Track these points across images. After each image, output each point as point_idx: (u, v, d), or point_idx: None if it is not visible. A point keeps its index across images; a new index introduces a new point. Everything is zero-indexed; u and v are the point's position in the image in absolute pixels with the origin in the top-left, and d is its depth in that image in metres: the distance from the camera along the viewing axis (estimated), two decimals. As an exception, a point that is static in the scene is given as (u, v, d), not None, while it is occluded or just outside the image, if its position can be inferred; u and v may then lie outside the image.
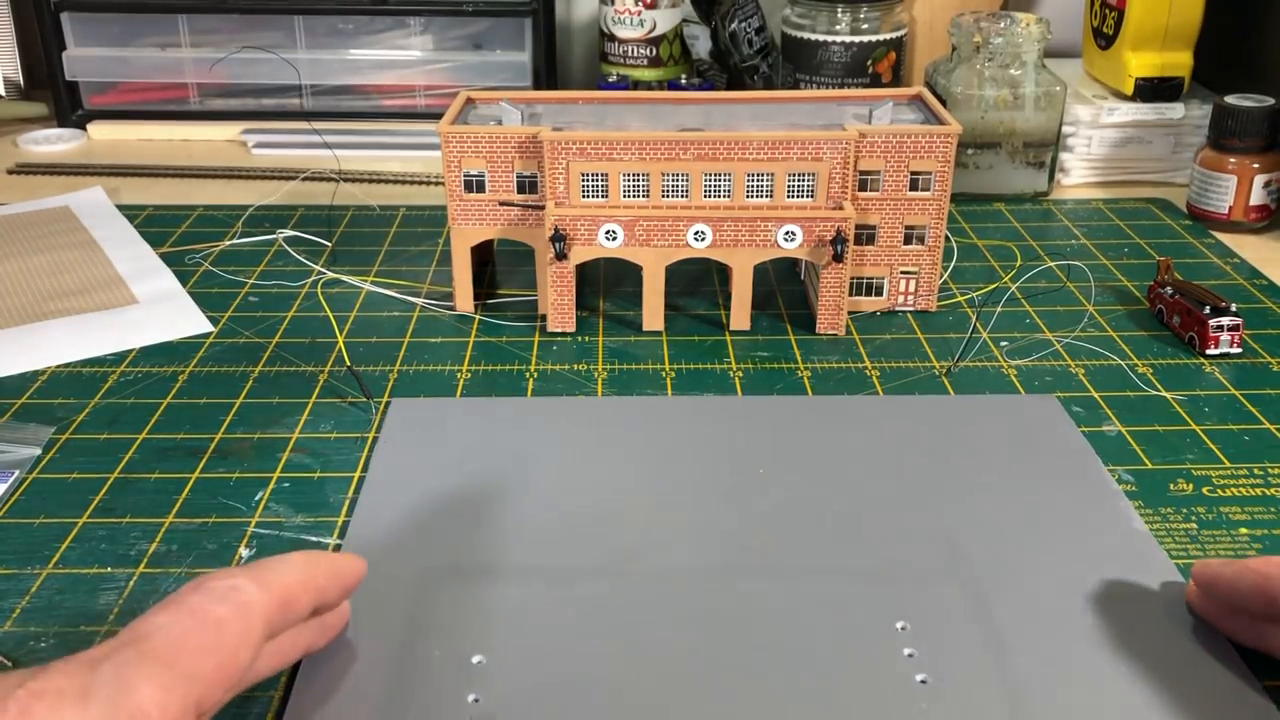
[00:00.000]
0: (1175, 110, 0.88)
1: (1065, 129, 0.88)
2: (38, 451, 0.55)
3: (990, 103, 0.84)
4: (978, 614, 0.44)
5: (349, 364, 0.62)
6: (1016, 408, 0.58)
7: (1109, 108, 0.89)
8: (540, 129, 0.64)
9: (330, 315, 0.68)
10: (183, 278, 0.73)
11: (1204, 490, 0.52)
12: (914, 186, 0.65)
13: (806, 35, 0.93)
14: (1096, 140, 0.89)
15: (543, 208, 0.65)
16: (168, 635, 0.33)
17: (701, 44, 1.05)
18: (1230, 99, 0.80)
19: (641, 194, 0.64)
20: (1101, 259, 0.76)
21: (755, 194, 0.64)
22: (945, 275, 0.73)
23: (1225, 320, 0.63)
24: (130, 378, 0.62)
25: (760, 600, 0.44)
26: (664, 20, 1.01)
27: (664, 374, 0.62)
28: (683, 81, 1.03)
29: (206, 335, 0.66)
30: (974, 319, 0.68)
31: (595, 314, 0.69)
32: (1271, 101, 0.79)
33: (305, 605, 0.38)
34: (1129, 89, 0.88)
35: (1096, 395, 0.60)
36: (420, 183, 0.91)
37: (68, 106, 1.03)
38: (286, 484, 0.52)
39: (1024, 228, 0.82)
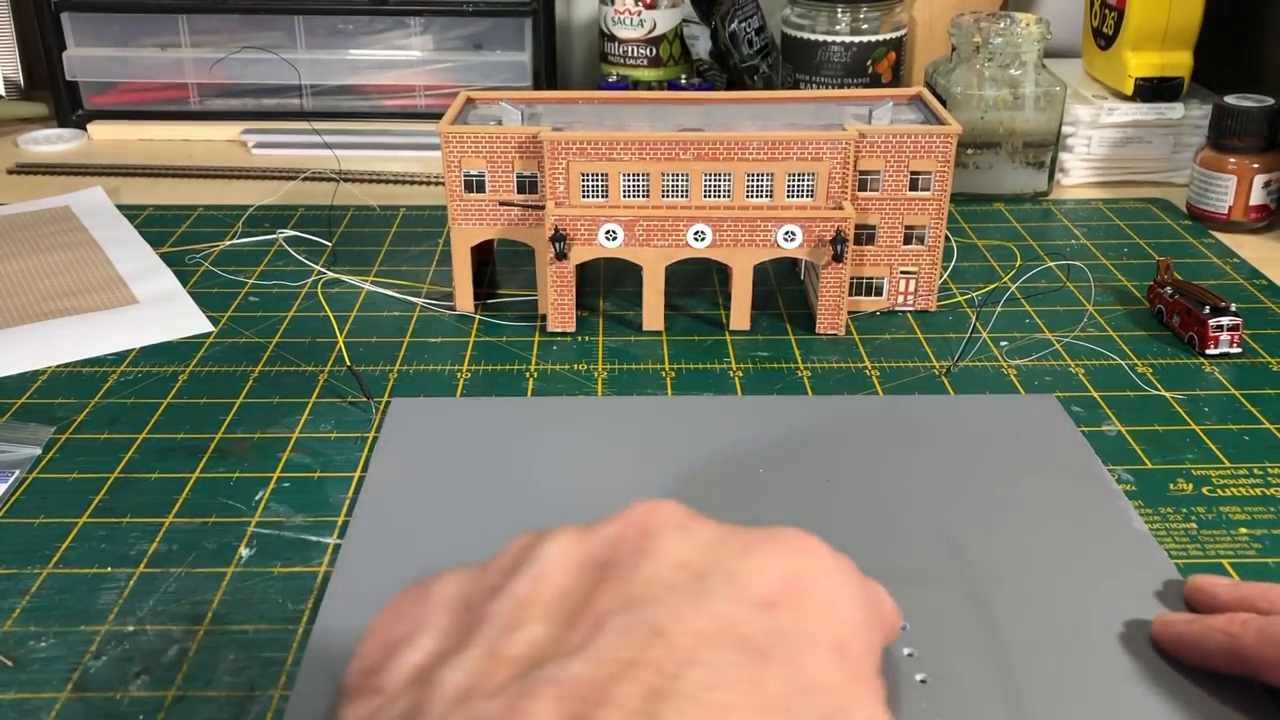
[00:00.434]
0: (1175, 110, 0.88)
1: (1065, 129, 0.88)
2: (38, 451, 0.55)
3: (990, 103, 0.84)
4: (978, 614, 0.44)
5: (349, 364, 0.62)
6: (1016, 408, 0.58)
7: (1109, 108, 0.89)
8: (540, 129, 0.64)
9: (330, 315, 0.68)
10: (183, 278, 0.73)
11: (1204, 490, 0.52)
12: (914, 186, 0.65)
13: (806, 35, 0.93)
14: (1096, 140, 0.89)
15: (543, 208, 0.65)
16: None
17: (701, 44, 1.05)
18: (1230, 99, 0.80)
19: (641, 194, 0.64)
20: (1101, 259, 0.76)
21: (755, 194, 0.64)
22: (945, 275, 0.73)
23: (1225, 320, 0.63)
24: (130, 378, 0.62)
25: (760, 600, 0.44)
26: (664, 20, 1.01)
27: (664, 374, 0.62)
28: (683, 81, 1.03)
29: (207, 335, 0.66)
30: (974, 319, 0.68)
31: (595, 314, 0.69)
32: (1271, 101, 0.79)
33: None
34: (1129, 89, 0.88)
35: (1096, 395, 0.60)
36: (420, 183, 0.91)
37: (68, 106, 1.03)
38: (287, 484, 0.52)
39: (1024, 228, 0.82)
